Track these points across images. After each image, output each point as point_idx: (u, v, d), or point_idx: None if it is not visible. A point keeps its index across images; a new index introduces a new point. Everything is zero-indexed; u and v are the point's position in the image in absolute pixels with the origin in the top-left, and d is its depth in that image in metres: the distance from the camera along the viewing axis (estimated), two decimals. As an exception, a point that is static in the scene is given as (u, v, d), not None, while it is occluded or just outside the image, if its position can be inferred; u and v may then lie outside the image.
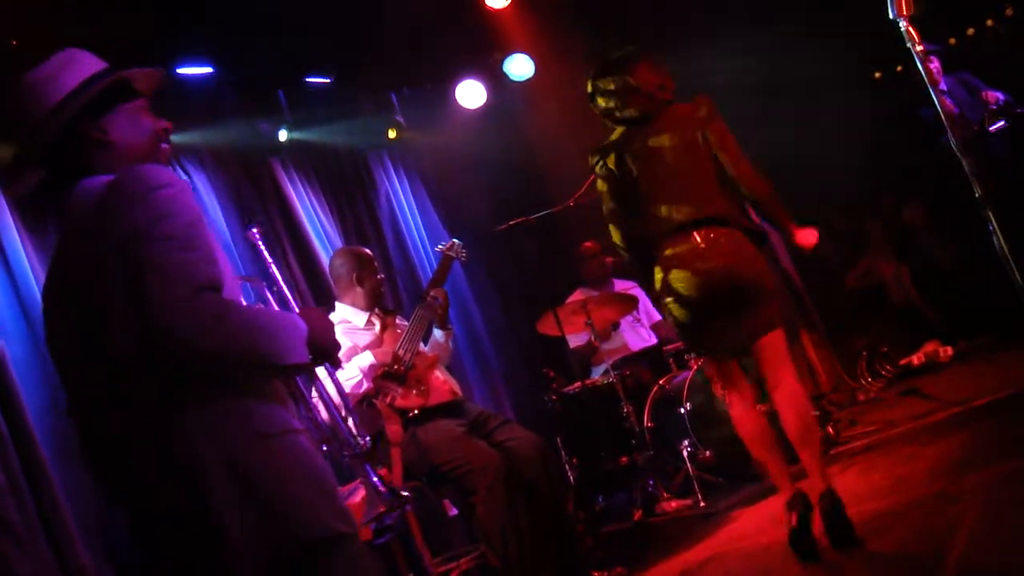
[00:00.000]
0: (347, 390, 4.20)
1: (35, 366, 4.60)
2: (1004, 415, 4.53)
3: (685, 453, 5.27)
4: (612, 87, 3.79)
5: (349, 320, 4.69)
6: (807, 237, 3.72)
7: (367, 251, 4.98)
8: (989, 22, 7.82)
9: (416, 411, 4.33)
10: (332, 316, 4.62)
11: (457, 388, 4.68)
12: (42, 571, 4.07)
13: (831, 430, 5.33)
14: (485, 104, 7.39)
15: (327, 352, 2.10)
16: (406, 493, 3.93)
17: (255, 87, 6.40)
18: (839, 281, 8.27)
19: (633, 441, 5.48)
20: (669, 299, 3.65)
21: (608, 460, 5.60)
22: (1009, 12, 7.69)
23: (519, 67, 7.33)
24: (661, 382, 5.85)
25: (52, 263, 2.03)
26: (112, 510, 4.49)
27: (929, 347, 6.84)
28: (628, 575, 4.41)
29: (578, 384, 5.71)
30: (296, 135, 6.67)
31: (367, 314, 4.73)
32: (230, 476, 1.82)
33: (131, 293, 1.79)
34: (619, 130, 3.84)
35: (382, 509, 2.67)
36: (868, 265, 8.15)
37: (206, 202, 5.93)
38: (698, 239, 3.58)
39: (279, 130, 6.56)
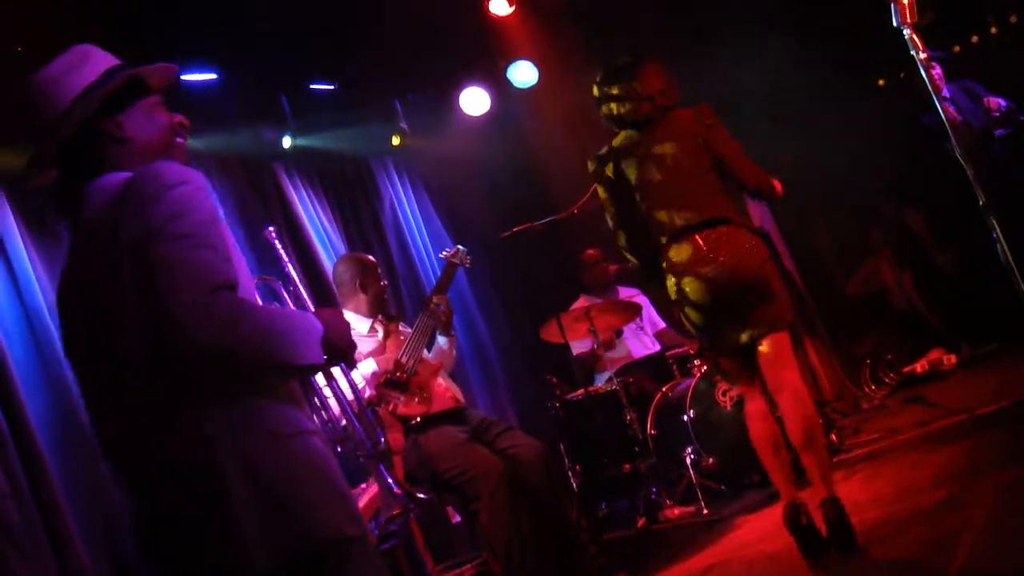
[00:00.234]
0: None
1: (37, 369, 4.61)
2: (1008, 423, 4.52)
3: (688, 460, 5.26)
4: (617, 92, 3.80)
5: (352, 327, 4.68)
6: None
7: (370, 257, 4.98)
8: (993, 29, 7.81)
9: (418, 418, 4.32)
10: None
11: (460, 395, 4.68)
12: (42, 573, 4.07)
13: (834, 437, 5.32)
14: (489, 111, 7.41)
15: (343, 352, 2.09)
16: (423, 495, 3.96)
17: (259, 93, 6.41)
18: (840, 288, 8.26)
19: (636, 448, 5.48)
20: (686, 306, 3.67)
21: (611, 467, 5.59)
22: (1013, 19, 7.69)
23: (523, 74, 7.34)
24: (664, 389, 5.84)
25: (67, 261, 2.01)
26: (115, 511, 4.50)
27: (933, 354, 6.83)
28: (631, 582, 4.41)
29: (581, 391, 5.71)
30: (300, 141, 6.67)
31: (370, 321, 4.73)
32: (244, 477, 1.81)
33: (144, 293, 1.77)
34: (621, 136, 3.86)
35: (397, 511, 2.65)
36: (870, 271, 8.14)
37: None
38: (700, 242, 3.59)
39: (283, 136, 6.56)
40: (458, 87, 7.34)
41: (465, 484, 4.12)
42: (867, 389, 6.77)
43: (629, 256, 3.94)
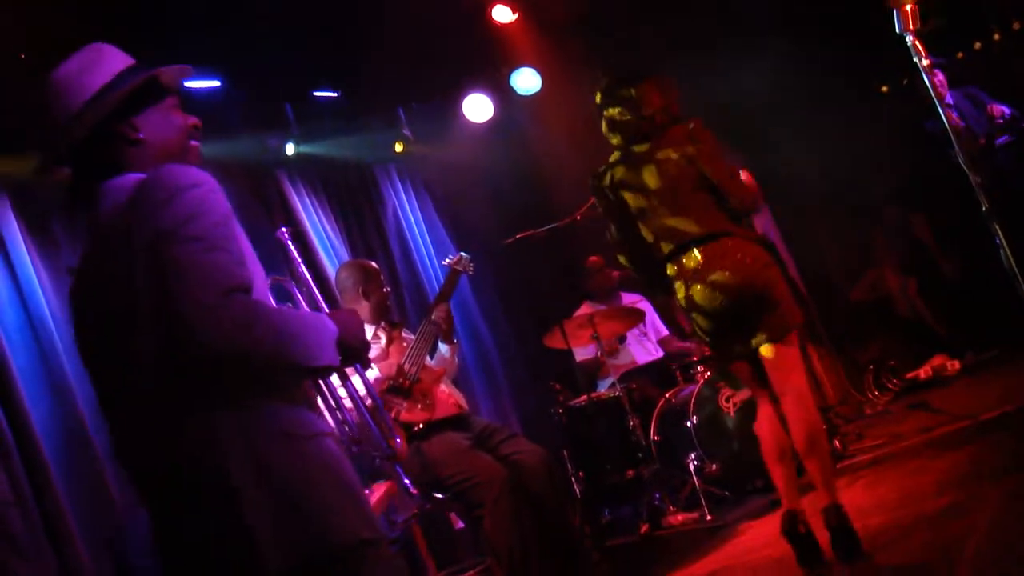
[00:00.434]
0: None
1: (41, 376, 4.62)
2: (1012, 428, 4.52)
3: (691, 466, 5.26)
4: (616, 108, 3.81)
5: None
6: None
7: (373, 264, 4.98)
8: (996, 36, 7.82)
9: (421, 425, 4.32)
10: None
11: (463, 402, 4.68)
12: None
13: (838, 444, 5.32)
14: (492, 118, 7.41)
15: (357, 353, 2.07)
16: (439, 495, 3.96)
17: (263, 100, 6.42)
18: (844, 294, 8.26)
19: (639, 454, 5.47)
20: (695, 313, 3.67)
21: (614, 473, 5.58)
22: (1016, 26, 7.69)
23: (526, 81, 7.35)
24: (667, 395, 5.84)
25: (80, 263, 2.01)
26: (119, 519, 4.50)
27: (936, 360, 6.82)
28: (634, 589, 4.41)
29: (584, 397, 5.71)
30: (303, 149, 6.69)
31: (373, 327, 4.73)
32: (259, 479, 1.80)
33: (157, 296, 1.77)
34: (617, 153, 3.87)
35: (414, 511, 2.64)
36: (874, 278, 8.14)
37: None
38: (698, 255, 3.60)
39: (286, 144, 6.58)
40: (461, 94, 7.35)
41: (468, 491, 4.11)
42: (871, 395, 6.76)
43: (632, 268, 3.96)
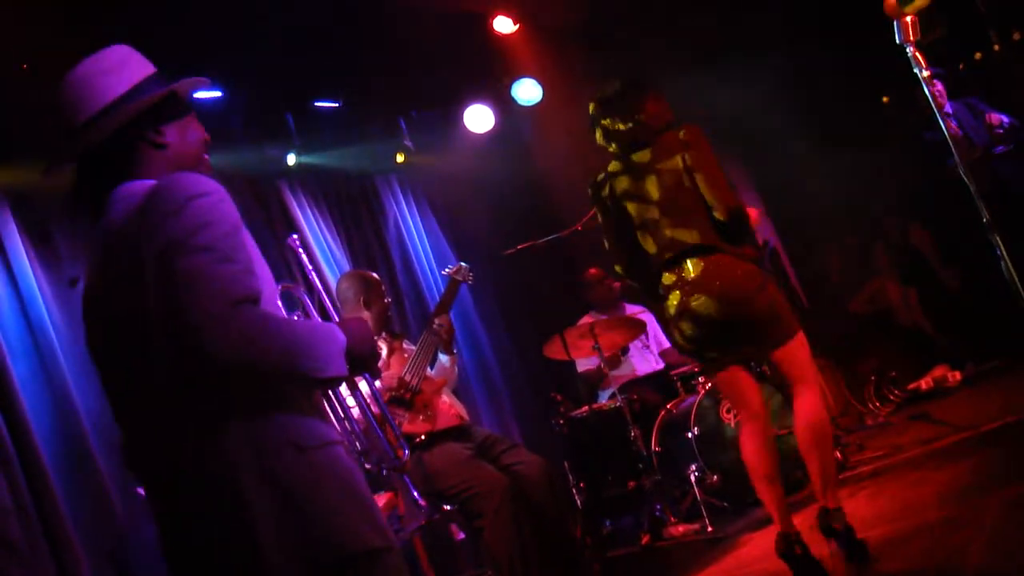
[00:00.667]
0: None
1: (41, 384, 4.62)
2: (1013, 440, 4.51)
3: (692, 477, 5.24)
4: (611, 117, 3.81)
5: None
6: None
7: (374, 275, 4.99)
8: (996, 46, 7.83)
9: (423, 436, 4.32)
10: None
11: (464, 412, 4.67)
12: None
13: (839, 454, 5.30)
14: (493, 128, 7.42)
15: (366, 363, 2.06)
16: (448, 507, 3.95)
17: (263, 111, 6.43)
18: (844, 305, 8.26)
19: (640, 465, 5.46)
20: (682, 322, 3.65)
21: (615, 484, 5.57)
22: (1016, 36, 7.70)
23: (527, 92, 7.37)
24: (668, 406, 5.83)
25: (91, 268, 2.01)
26: (119, 528, 4.49)
27: (937, 372, 6.82)
28: (635, 600, 4.40)
29: (585, 408, 5.70)
30: (304, 159, 6.70)
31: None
32: (268, 488, 1.81)
33: (167, 306, 1.77)
34: (616, 163, 3.86)
35: (423, 521, 2.64)
36: (874, 289, 8.13)
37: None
38: (696, 265, 3.59)
39: (287, 154, 6.59)
40: (462, 105, 7.36)
41: (469, 501, 4.11)
42: (871, 406, 6.75)
43: (628, 278, 3.95)
